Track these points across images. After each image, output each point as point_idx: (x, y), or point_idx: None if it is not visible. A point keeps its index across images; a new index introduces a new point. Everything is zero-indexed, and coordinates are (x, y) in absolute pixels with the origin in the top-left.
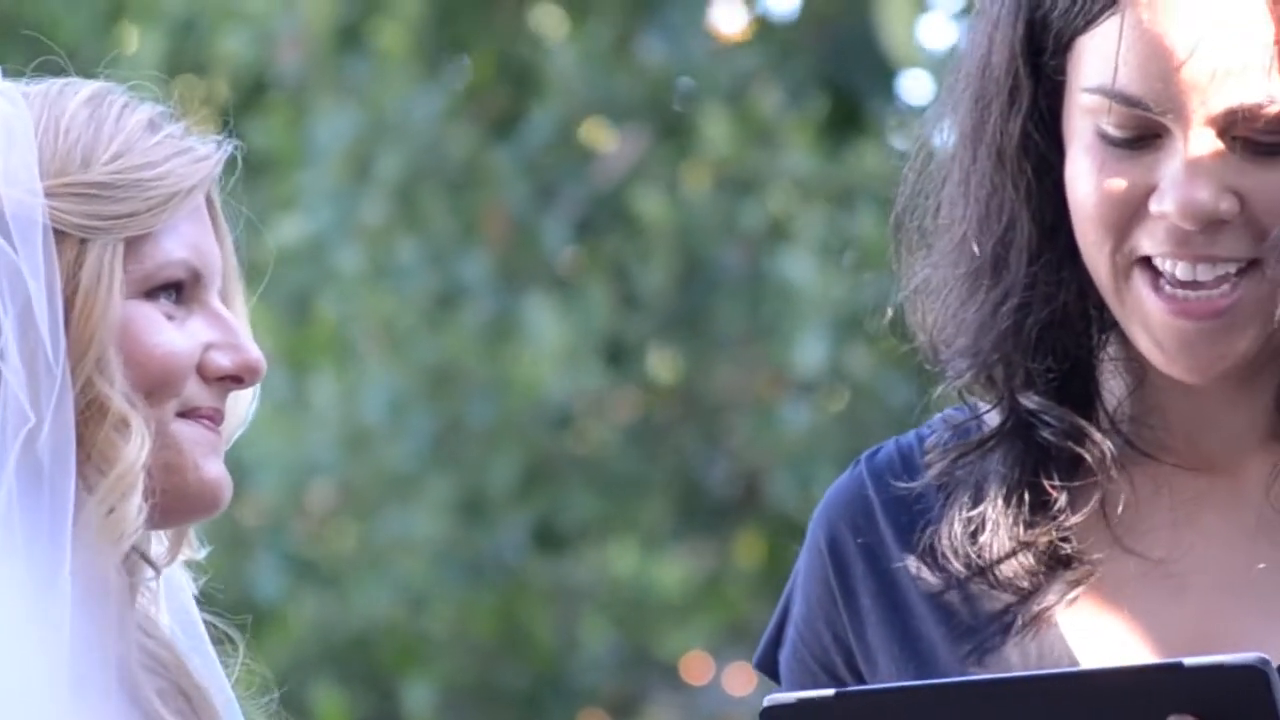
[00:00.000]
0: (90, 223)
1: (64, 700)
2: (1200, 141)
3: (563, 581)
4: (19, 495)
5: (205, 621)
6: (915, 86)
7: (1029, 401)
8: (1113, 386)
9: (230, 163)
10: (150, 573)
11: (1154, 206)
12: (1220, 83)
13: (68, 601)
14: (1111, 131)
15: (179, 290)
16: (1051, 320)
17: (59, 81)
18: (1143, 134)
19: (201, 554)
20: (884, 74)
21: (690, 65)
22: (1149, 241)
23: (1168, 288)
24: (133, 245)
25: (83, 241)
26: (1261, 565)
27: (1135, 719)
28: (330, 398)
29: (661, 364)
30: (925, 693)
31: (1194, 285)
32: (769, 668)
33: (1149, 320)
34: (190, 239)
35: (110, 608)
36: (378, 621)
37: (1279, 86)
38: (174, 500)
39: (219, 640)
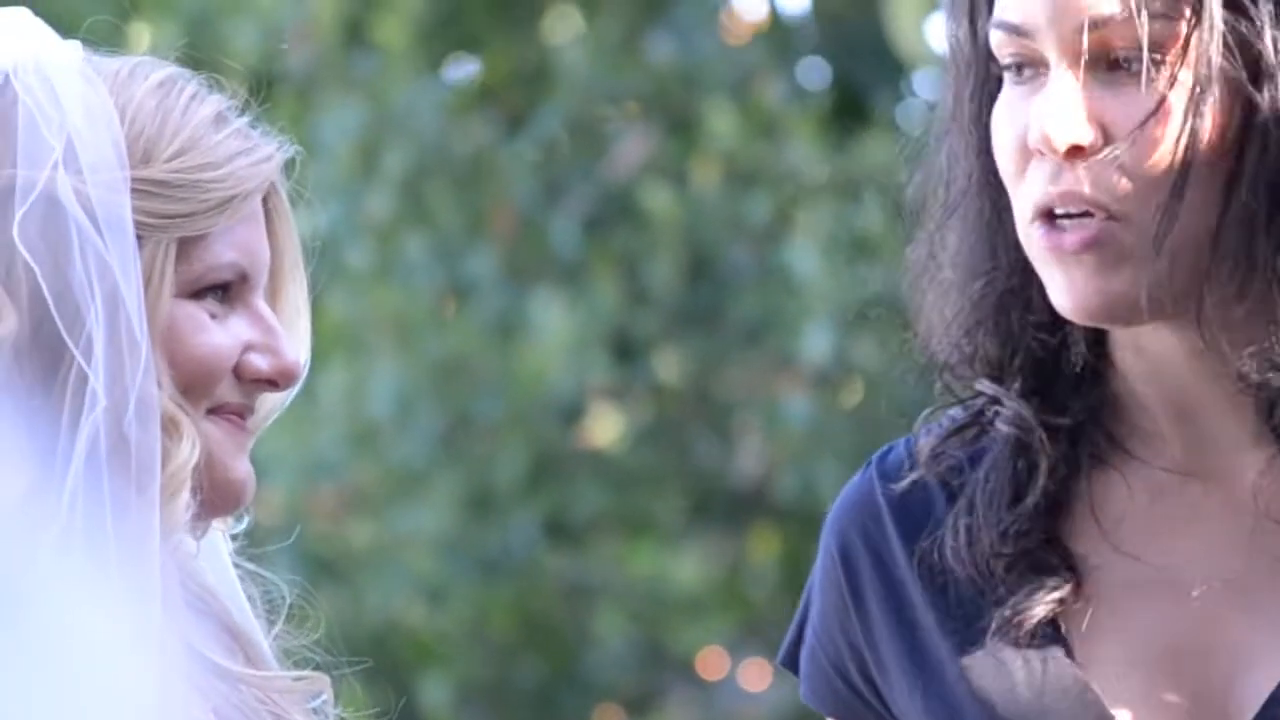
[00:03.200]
0: (145, 219)
1: (154, 674)
2: (1065, 67)
3: (577, 578)
4: (102, 479)
5: (264, 579)
6: (923, 82)
7: (988, 388)
8: (1098, 379)
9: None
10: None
11: (1029, 140)
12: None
13: (158, 581)
14: (1007, 64)
15: (224, 290)
16: (1006, 302)
17: (130, 61)
18: (1033, 66)
19: (239, 527)
20: (891, 68)
21: (699, 62)
22: (1034, 187)
23: (1049, 223)
24: (184, 245)
25: (137, 238)
26: (1257, 573)
27: None
28: (338, 393)
29: (671, 359)
30: None
31: (1066, 217)
32: (792, 664)
33: (1039, 260)
34: (242, 241)
35: (169, 580)
36: (392, 619)
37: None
38: (201, 496)
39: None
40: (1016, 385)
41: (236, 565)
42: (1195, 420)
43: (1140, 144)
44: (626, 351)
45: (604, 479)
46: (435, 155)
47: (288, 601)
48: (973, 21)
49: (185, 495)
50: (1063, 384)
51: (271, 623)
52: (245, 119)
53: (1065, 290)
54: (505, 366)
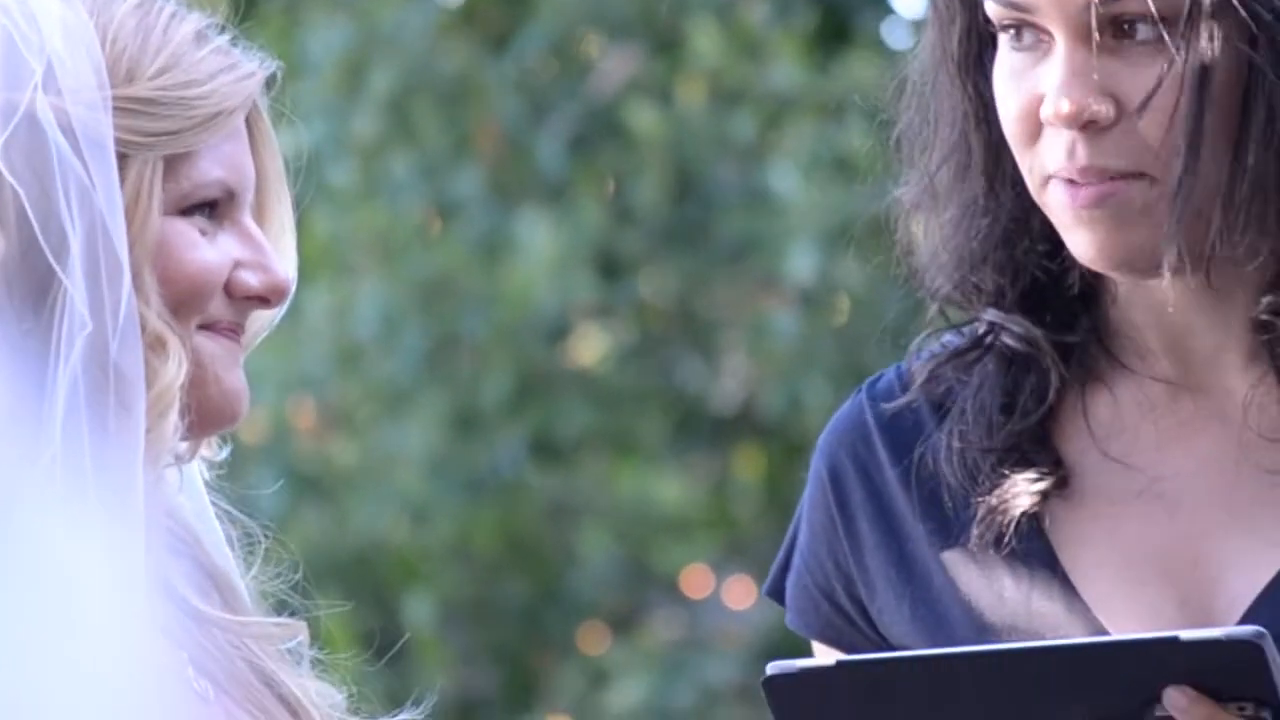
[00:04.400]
0: (131, 138)
1: (139, 609)
2: (1073, 41)
3: (562, 497)
4: (87, 405)
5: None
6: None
7: (994, 316)
8: (1092, 299)
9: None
10: (170, 462)
11: (1041, 113)
12: None
13: (141, 511)
14: (1009, 40)
15: (212, 208)
16: (1010, 236)
17: None
18: (1034, 31)
19: (221, 455)
20: None
21: None
22: (1049, 158)
23: (1066, 182)
24: (171, 163)
25: (123, 157)
26: (1244, 485)
27: (1133, 689)
28: (323, 313)
29: (656, 278)
30: (923, 663)
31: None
32: (778, 595)
33: (1058, 217)
34: (228, 158)
35: (152, 515)
36: (377, 538)
37: None
38: (195, 413)
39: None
40: (1017, 309)
41: (212, 503)
42: (1188, 341)
43: (1155, 110)
44: (612, 270)
45: (589, 398)
46: (421, 74)
47: (264, 544)
48: None
49: (173, 416)
50: (1061, 306)
51: (249, 564)
52: (225, 37)
53: (1087, 244)
54: (490, 286)
